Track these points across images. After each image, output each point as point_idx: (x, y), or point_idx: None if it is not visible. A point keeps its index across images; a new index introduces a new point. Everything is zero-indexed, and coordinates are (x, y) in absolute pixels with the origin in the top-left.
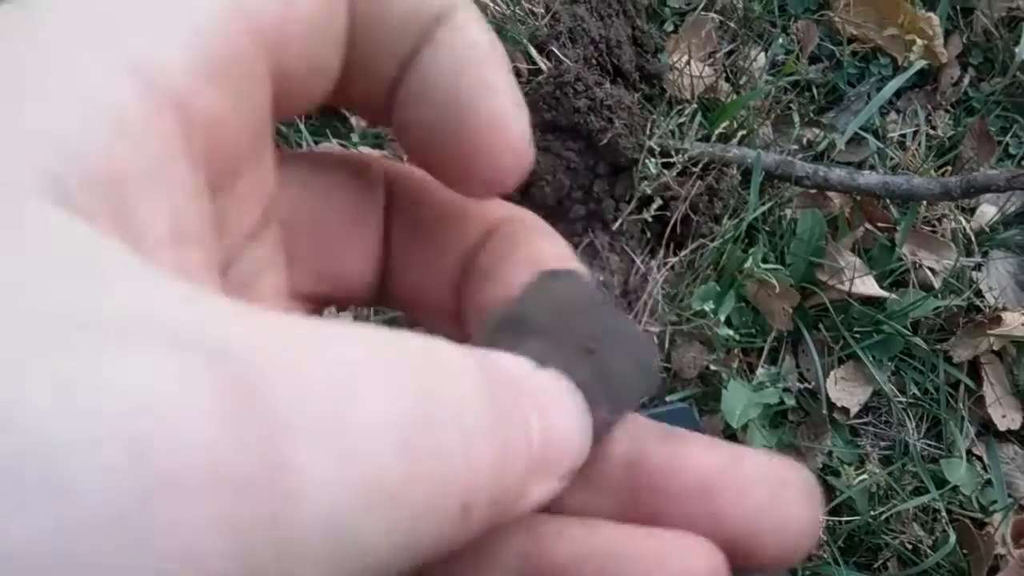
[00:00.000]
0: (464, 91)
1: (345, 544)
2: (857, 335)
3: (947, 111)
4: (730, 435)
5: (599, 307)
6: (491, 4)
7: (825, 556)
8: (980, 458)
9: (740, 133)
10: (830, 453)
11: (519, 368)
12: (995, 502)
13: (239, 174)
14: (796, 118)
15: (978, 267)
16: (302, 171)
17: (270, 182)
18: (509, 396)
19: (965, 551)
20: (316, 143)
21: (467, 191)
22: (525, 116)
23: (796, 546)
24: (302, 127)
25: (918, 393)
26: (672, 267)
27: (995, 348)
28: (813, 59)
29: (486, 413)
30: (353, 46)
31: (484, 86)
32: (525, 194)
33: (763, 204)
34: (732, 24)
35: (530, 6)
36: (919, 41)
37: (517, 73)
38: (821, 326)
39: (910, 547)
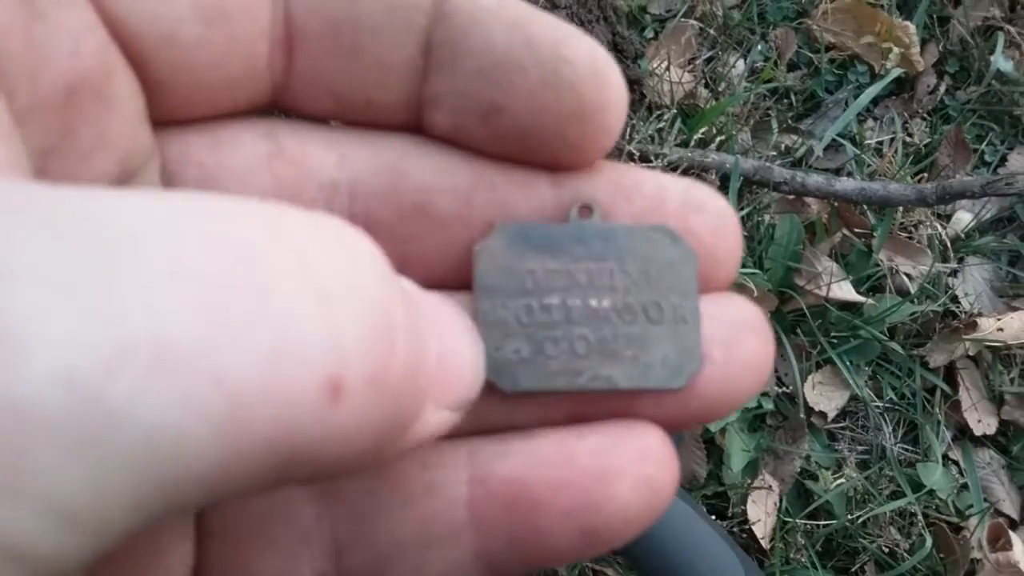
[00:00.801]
0: (534, 49)
1: (119, 419)
2: (834, 340)
3: (923, 119)
4: (708, 439)
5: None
6: None
7: (803, 560)
8: (956, 462)
9: (719, 139)
10: (808, 457)
11: (422, 292)
12: (971, 506)
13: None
14: (774, 124)
15: (954, 273)
16: None
17: (130, 137)
18: (407, 305)
19: (941, 555)
20: None
21: (573, 157)
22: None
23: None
24: None
25: (895, 398)
26: None
27: (971, 353)
28: (791, 66)
29: (368, 295)
30: (351, 51)
31: (554, 35)
32: None
33: (741, 209)
34: (712, 31)
35: None
36: (896, 49)
37: None
38: (799, 331)
39: (887, 551)
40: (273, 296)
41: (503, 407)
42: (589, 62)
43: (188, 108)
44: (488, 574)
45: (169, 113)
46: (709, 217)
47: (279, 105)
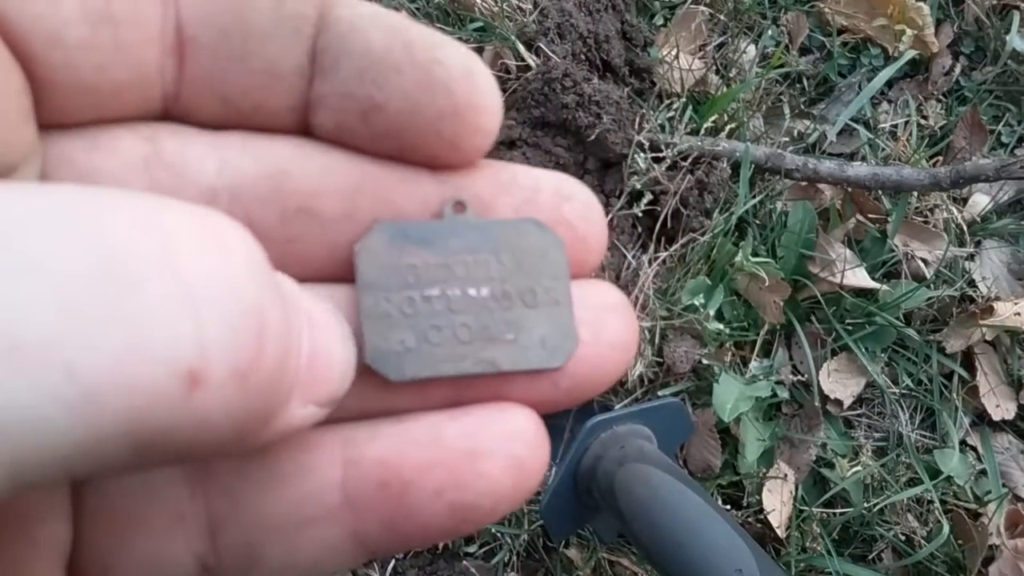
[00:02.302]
0: (410, 52)
1: None
2: (849, 327)
3: (939, 100)
4: (723, 429)
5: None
6: (479, 2)
7: (819, 548)
8: (974, 448)
9: (730, 126)
10: (824, 445)
11: (298, 290)
12: (989, 492)
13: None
14: (787, 110)
15: (971, 257)
16: None
17: (11, 132)
18: (281, 302)
19: (959, 541)
20: None
21: (451, 155)
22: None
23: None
24: None
25: (911, 384)
26: (663, 262)
27: (988, 338)
28: (804, 50)
29: (239, 292)
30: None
31: (430, 39)
32: None
33: (753, 197)
34: (722, 16)
35: (518, 2)
36: (909, 31)
37: (506, 70)
38: (813, 318)
39: (904, 538)
40: (133, 292)
41: (383, 394)
42: (462, 65)
43: (75, 112)
44: (363, 553)
45: (56, 115)
46: (578, 205)
47: (170, 115)
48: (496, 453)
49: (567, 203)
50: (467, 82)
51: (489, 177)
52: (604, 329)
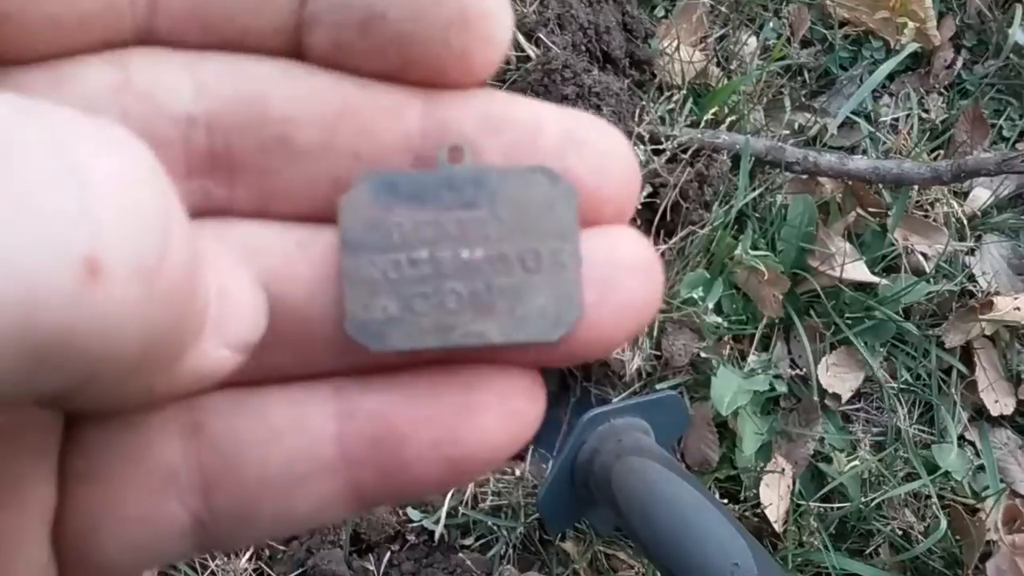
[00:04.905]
0: None
1: None
2: (849, 321)
3: (940, 94)
4: (720, 422)
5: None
6: None
7: (816, 543)
8: (972, 443)
9: (730, 119)
10: (822, 440)
11: (203, 236)
12: (987, 487)
13: None
14: (787, 103)
15: (971, 251)
16: None
17: None
18: (186, 227)
19: (957, 537)
20: None
21: (459, 69)
22: None
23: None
24: None
25: (910, 379)
26: (662, 254)
27: (987, 333)
28: (805, 43)
29: (136, 192)
30: None
31: None
32: None
33: (753, 190)
34: (723, 8)
35: None
36: (911, 24)
37: (506, 61)
38: (812, 312)
39: (901, 533)
40: (17, 169)
41: (370, 356)
42: None
43: (35, 47)
44: (358, 506)
45: (12, 52)
46: (591, 156)
47: (145, 45)
48: (492, 406)
49: (576, 152)
50: None
51: (478, 110)
52: (615, 290)
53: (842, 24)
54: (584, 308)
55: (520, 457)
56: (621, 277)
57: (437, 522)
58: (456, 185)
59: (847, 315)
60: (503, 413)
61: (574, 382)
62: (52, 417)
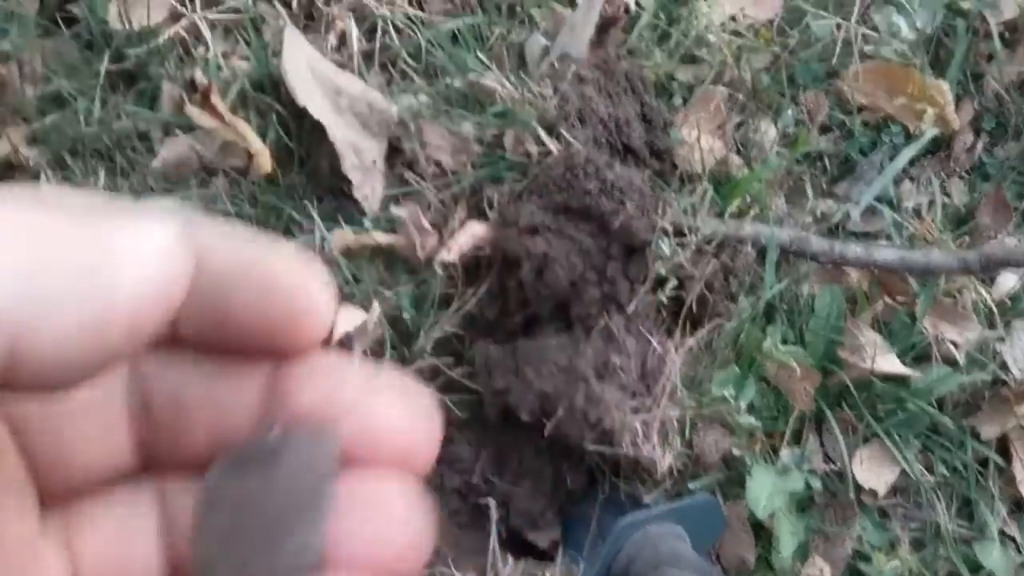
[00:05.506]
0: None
1: None
2: (881, 414)
3: (962, 178)
4: (756, 523)
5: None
6: (499, 88)
7: None
8: (1013, 539)
9: (753, 209)
10: (859, 538)
11: None
12: None
13: None
14: (809, 190)
15: (1001, 339)
16: None
17: None
18: None
19: None
20: (328, 229)
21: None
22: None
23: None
24: (314, 213)
25: (947, 472)
26: (690, 348)
27: None
28: (824, 129)
29: None
30: None
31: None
32: (539, 277)
33: (780, 281)
34: (741, 96)
35: (539, 88)
36: (930, 109)
37: (527, 155)
38: (844, 404)
39: None
40: None
41: None
42: (295, 276)
43: None
44: None
45: None
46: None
47: None
48: None
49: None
50: (302, 291)
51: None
52: (367, 532)
53: (860, 110)
54: (326, 552)
55: (550, 558)
56: (378, 520)
57: None
58: (280, 453)
59: (879, 407)
60: None
61: (602, 478)
62: None
